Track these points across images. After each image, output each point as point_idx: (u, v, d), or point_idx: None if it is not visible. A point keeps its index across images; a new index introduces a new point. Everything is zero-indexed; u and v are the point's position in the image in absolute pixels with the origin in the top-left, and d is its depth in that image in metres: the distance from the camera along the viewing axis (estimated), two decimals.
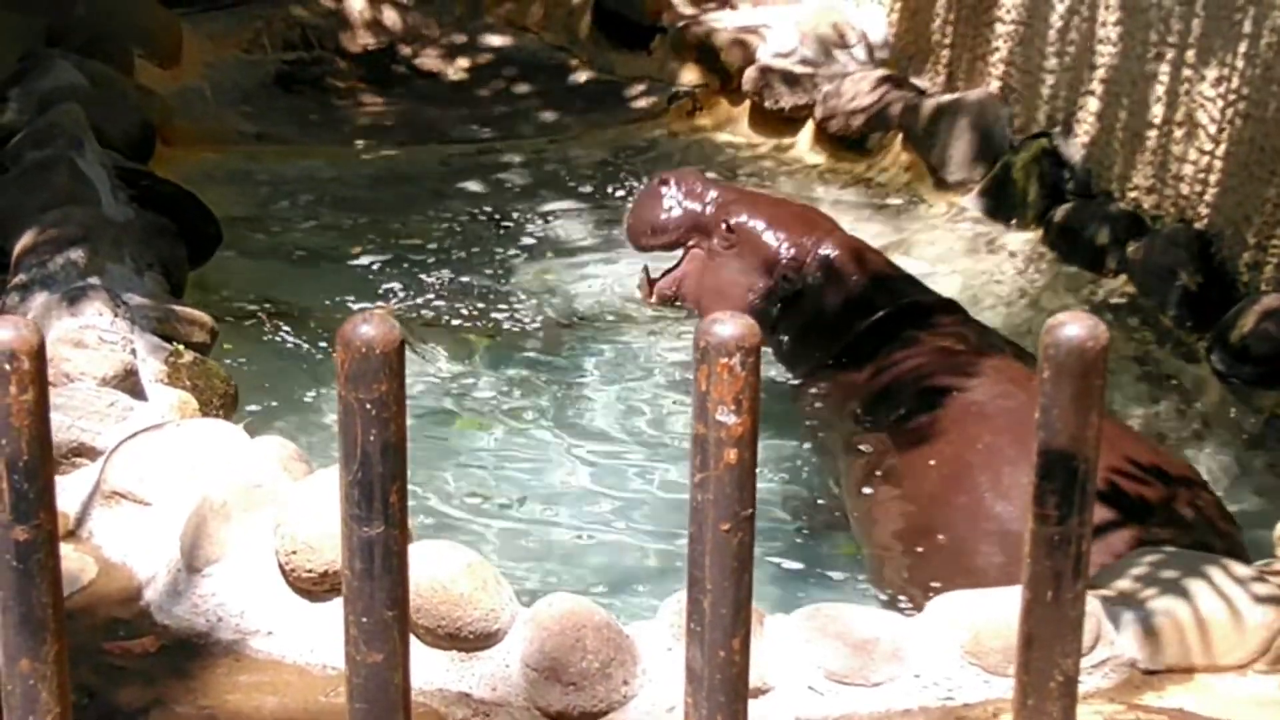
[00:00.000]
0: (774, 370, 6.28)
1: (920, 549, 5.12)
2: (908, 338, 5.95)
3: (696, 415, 2.30)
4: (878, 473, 5.48)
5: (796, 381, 6.24)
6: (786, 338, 6.33)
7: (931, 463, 5.29)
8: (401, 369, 2.29)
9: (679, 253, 6.71)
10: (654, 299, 6.82)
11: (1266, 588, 4.21)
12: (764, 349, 6.21)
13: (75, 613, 4.20)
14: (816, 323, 6.24)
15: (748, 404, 2.29)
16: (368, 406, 2.28)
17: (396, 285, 7.29)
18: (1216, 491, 5.30)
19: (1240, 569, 4.29)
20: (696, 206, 6.62)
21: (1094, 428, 2.38)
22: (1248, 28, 6.67)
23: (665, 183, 6.73)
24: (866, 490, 5.47)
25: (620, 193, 8.41)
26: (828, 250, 6.34)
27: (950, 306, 6.24)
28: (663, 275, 6.79)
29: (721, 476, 2.31)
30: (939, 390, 5.56)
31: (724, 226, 6.51)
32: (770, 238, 6.41)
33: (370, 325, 2.27)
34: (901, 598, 4.96)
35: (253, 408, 5.87)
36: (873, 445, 5.62)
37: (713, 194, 6.65)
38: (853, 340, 6.09)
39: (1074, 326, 2.35)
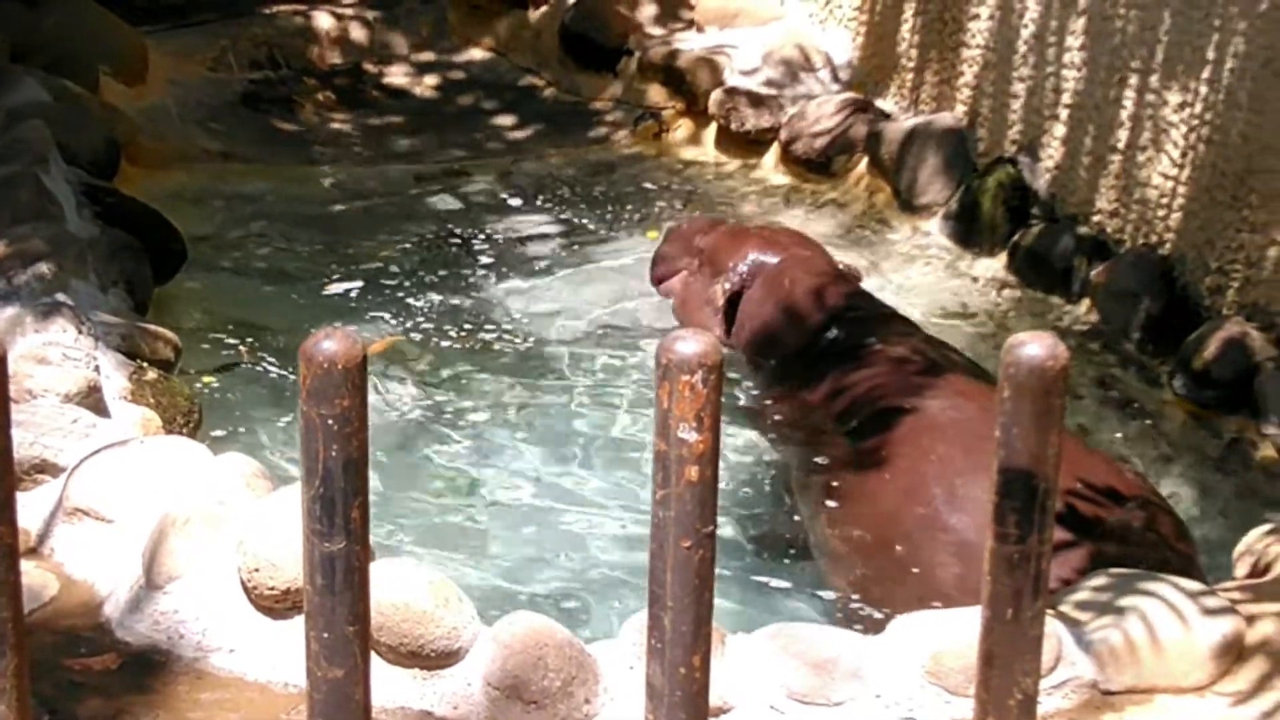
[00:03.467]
0: (735, 387, 6.32)
1: (878, 562, 5.15)
2: (860, 352, 6.02)
3: (658, 432, 2.31)
4: (833, 487, 5.52)
5: (755, 392, 6.32)
6: (744, 350, 6.46)
7: (886, 476, 5.33)
8: (364, 384, 2.29)
9: None
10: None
11: (1226, 610, 4.23)
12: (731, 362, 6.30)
13: (36, 629, 4.18)
14: (770, 336, 6.36)
15: (709, 421, 2.29)
16: (330, 422, 2.28)
17: (363, 304, 7.28)
18: (1178, 514, 5.32)
19: (1201, 591, 4.31)
20: (692, 239, 7.00)
21: (1054, 447, 2.39)
22: (1210, 53, 6.71)
23: (678, 225, 7.31)
24: (823, 504, 5.50)
25: (586, 213, 8.42)
26: (779, 265, 6.50)
27: (903, 321, 6.35)
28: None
29: (683, 493, 2.31)
30: (892, 403, 5.61)
31: (699, 248, 6.86)
32: (725, 254, 6.65)
33: (332, 341, 2.27)
34: (861, 611, 4.98)
35: (217, 431, 5.87)
36: (828, 459, 5.66)
37: (708, 227, 7.05)
38: (806, 354, 6.18)
39: (1034, 346, 2.36)
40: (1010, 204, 7.75)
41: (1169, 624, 4.17)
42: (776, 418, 6.14)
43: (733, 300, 6.57)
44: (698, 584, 2.36)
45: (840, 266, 6.73)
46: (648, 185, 8.83)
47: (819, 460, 5.69)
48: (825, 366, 6.05)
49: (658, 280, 7.19)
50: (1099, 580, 4.41)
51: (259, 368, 6.62)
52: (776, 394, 6.23)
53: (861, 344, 6.06)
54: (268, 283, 7.54)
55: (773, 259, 6.58)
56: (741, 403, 6.29)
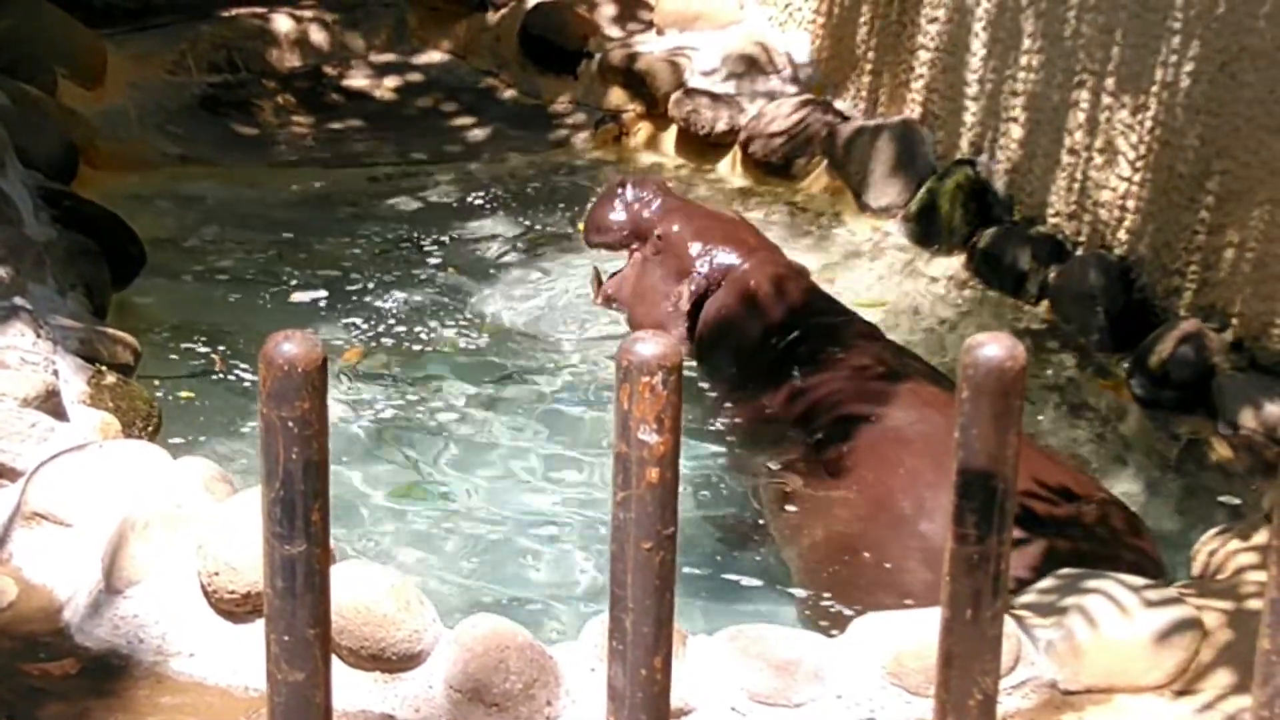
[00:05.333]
0: (696, 388, 6.31)
1: (845, 574, 5.14)
2: (824, 359, 5.98)
3: (618, 434, 2.31)
4: (799, 499, 5.50)
5: (715, 395, 6.28)
6: (705, 351, 6.39)
7: (853, 488, 5.31)
8: (324, 387, 2.29)
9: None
10: (599, 300, 6.99)
11: (1184, 610, 4.25)
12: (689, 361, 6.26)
13: None
14: (732, 339, 6.30)
15: (669, 423, 2.30)
16: (290, 424, 2.28)
17: (324, 307, 7.26)
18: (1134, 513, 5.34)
19: (1158, 590, 4.33)
20: (641, 212, 6.76)
21: (1012, 447, 2.40)
22: (1166, 56, 6.74)
23: (621, 185, 6.92)
24: (788, 514, 5.49)
25: (546, 216, 8.41)
26: (746, 267, 6.40)
27: (867, 328, 6.30)
28: (610, 277, 6.93)
29: (643, 495, 2.32)
30: (856, 413, 5.59)
31: (656, 234, 6.63)
32: (691, 249, 6.49)
33: (292, 343, 2.27)
34: (827, 611, 4.98)
35: (176, 437, 5.85)
36: (791, 468, 5.64)
37: (658, 202, 6.77)
38: (769, 359, 6.13)
39: (992, 346, 2.37)
40: (968, 205, 7.76)
41: (1129, 624, 4.19)
42: (739, 422, 6.12)
43: (697, 302, 6.48)
44: (659, 585, 2.36)
45: (795, 265, 6.70)
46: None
47: (782, 468, 5.68)
48: (788, 371, 6.02)
49: (593, 246, 6.98)
50: (1057, 580, 4.43)
51: (219, 372, 6.60)
52: (738, 398, 6.19)
53: (825, 350, 6.03)
54: (227, 286, 7.51)
55: (739, 261, 6.44)
56: (703, 406, 6.28)
